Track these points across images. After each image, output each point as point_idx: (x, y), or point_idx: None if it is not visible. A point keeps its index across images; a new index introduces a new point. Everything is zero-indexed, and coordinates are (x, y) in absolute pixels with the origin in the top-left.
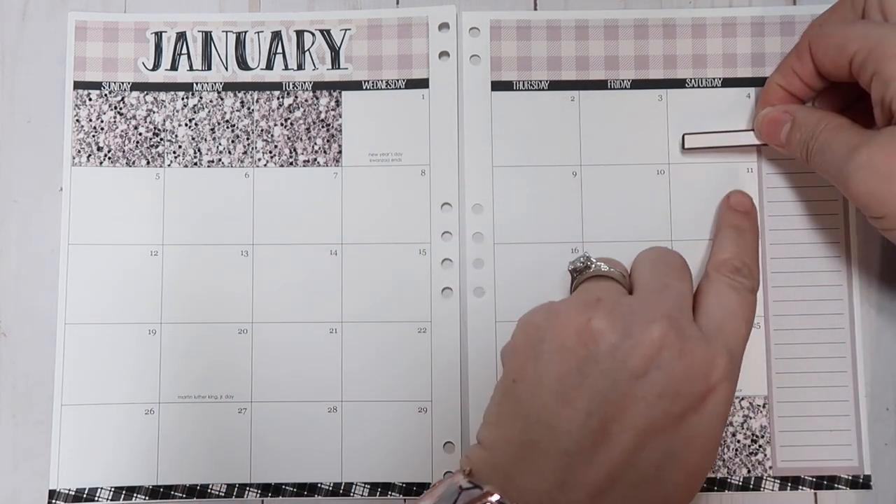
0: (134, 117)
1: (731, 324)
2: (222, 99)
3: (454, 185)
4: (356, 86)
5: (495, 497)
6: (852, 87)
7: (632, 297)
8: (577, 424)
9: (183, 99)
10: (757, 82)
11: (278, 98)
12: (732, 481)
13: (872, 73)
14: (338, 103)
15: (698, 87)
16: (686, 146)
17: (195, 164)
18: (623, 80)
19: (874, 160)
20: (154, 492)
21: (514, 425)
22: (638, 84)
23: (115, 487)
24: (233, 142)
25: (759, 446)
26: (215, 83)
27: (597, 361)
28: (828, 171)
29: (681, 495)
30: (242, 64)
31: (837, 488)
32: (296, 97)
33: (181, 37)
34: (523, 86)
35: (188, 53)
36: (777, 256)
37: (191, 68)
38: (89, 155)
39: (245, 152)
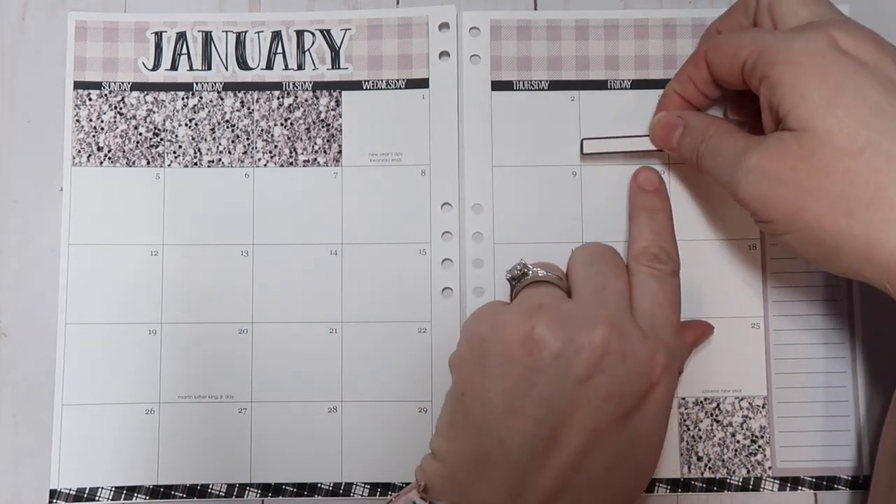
0: (134, 117)
1: (661, 315)
2: (222, 99)
3: (454, 185)
4: (356, 86)
5: None
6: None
7: (572, 302)
8: (527, 434)
9: (183, 99)
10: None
11: (278, 98)
12: (732, 482)
13: (761, 77)
14: (338, 103)
15: None
16: (584, 151)
17: (195, 164)
18: (623, 80)
19: (762, 165)
20: (154, 491)
21: (466, 438)
22: (638, 84)
23: (116, 487)
24: (233, 142)
25: (759, 447)
26: (215, 83)
27: (542, 370)
28: (718, 176)
29: (630, 491)
30: (242, 64)
31: (837, 489)
32: (296, 97)
33: (181, 37)
34: (523, 86)
35: (188, 53)
36: (776, 257)
37: (191, 68)
38: (89, 155)
39: (245, 152)
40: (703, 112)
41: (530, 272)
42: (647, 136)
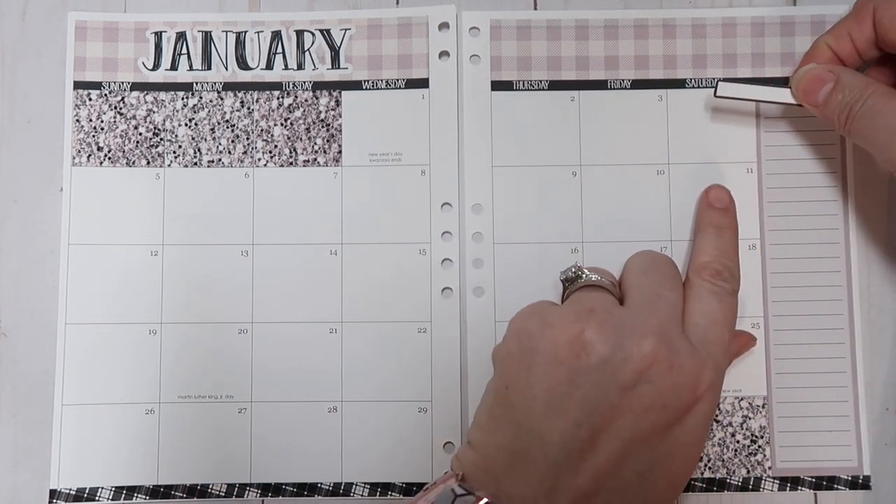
0: (134, 117)
1: (715, 333)
2: (222, 99)
3: (454, 185)
4: (356, 85)
5: (485, 501)
6: None
7: (624, 309)
8: (566, 434)
9: (183, 99)
10: (757, 82)
11: (278, 98)
12: (732, 482)
13: None
14: (338, 103)
15: (698, 87)
16: (718, 94)
17: (195, 164)
18: (623, 80)
19: None
20: (154, 491)
21: (506, 432)
22: (638, 84)
23: (116, 487)
24: (233, 142)
25: (759, 447)
26: (215, 83)
27: (587, 373)
28: (874, 138)
29: (662, 499)
30: (242, 64)
31: (837, 489)
32: (296, 97)
33: (181, 37)
34: (523, 86)
35: (188, 53)
36: (776, 257)
37: (191, 68)
38: (89, 155)
39: (245, 152)
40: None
41: (584, 276)
42: (788, 88)
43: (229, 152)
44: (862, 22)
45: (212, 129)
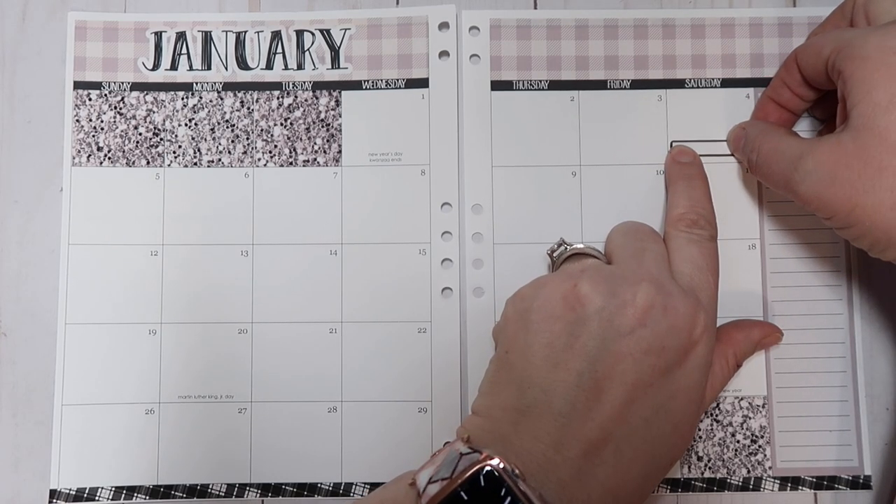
0: (134, 117)
1: (700, 278)
2: (222, 99)
3: (454, 185)
4: (356, 85)
5: (495, 461)
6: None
7: (613, 266)
8: (569, 385)
9: (183, 99)
10: (755, 83)
11: (278, 98)
12: (732, 482)
13: (839, 72)
14: (337, 103)
15: (697, 87)
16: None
17: (195, 164)
18: (622, 80)
19: (818, 167)
20: (154, 491)
21: (509, 392)
22: (637, 84)
23: (116, 487)
24: (233, 142)
25: (759, 446)
26: (215, 83)
27: (585, 323)
28: (776, 182)
29: (669, 446)
30: (242, 64)
31: (837, 488)
32: (295, 97)
33: (181, 37)
34: (523, 85)
35: (188, 53)
36: (776, 257)
37: (191, 68)
38: (89, 155)
39: (245, 152)
40: (768, 122)
41: (570, 246)
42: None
43: (229, 152)
44: (790, 69)
45: (212, 129)
